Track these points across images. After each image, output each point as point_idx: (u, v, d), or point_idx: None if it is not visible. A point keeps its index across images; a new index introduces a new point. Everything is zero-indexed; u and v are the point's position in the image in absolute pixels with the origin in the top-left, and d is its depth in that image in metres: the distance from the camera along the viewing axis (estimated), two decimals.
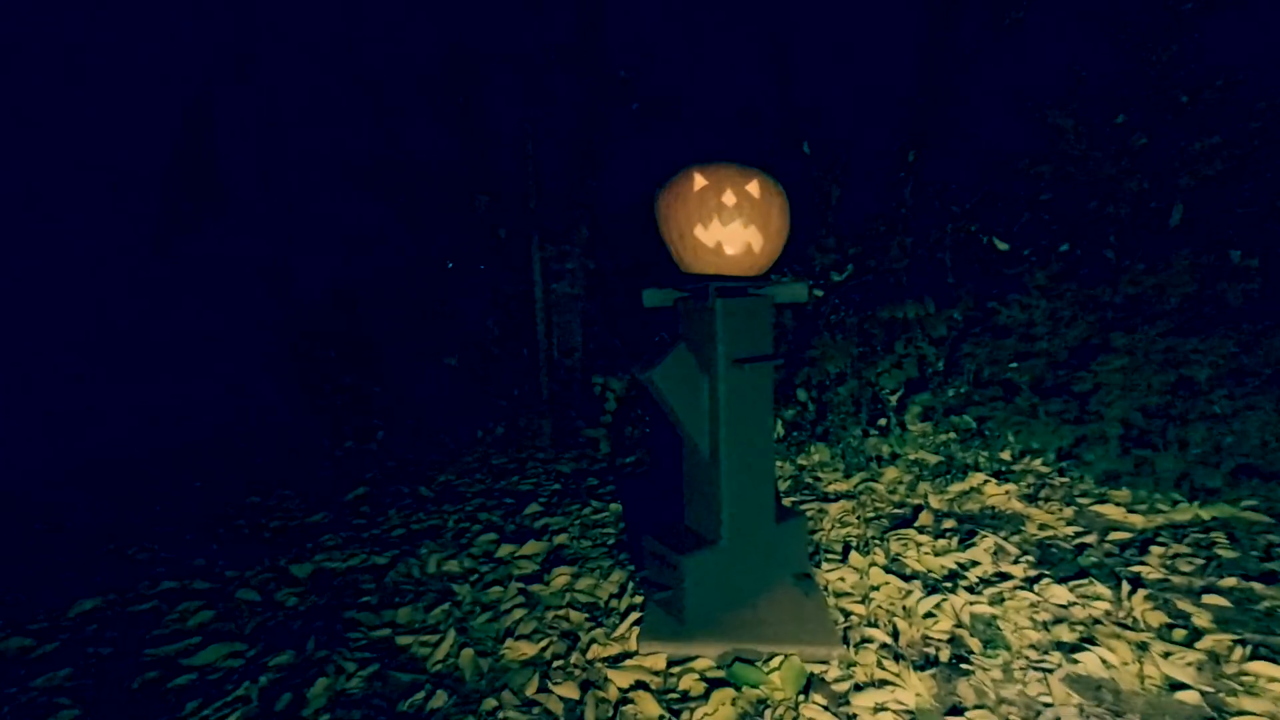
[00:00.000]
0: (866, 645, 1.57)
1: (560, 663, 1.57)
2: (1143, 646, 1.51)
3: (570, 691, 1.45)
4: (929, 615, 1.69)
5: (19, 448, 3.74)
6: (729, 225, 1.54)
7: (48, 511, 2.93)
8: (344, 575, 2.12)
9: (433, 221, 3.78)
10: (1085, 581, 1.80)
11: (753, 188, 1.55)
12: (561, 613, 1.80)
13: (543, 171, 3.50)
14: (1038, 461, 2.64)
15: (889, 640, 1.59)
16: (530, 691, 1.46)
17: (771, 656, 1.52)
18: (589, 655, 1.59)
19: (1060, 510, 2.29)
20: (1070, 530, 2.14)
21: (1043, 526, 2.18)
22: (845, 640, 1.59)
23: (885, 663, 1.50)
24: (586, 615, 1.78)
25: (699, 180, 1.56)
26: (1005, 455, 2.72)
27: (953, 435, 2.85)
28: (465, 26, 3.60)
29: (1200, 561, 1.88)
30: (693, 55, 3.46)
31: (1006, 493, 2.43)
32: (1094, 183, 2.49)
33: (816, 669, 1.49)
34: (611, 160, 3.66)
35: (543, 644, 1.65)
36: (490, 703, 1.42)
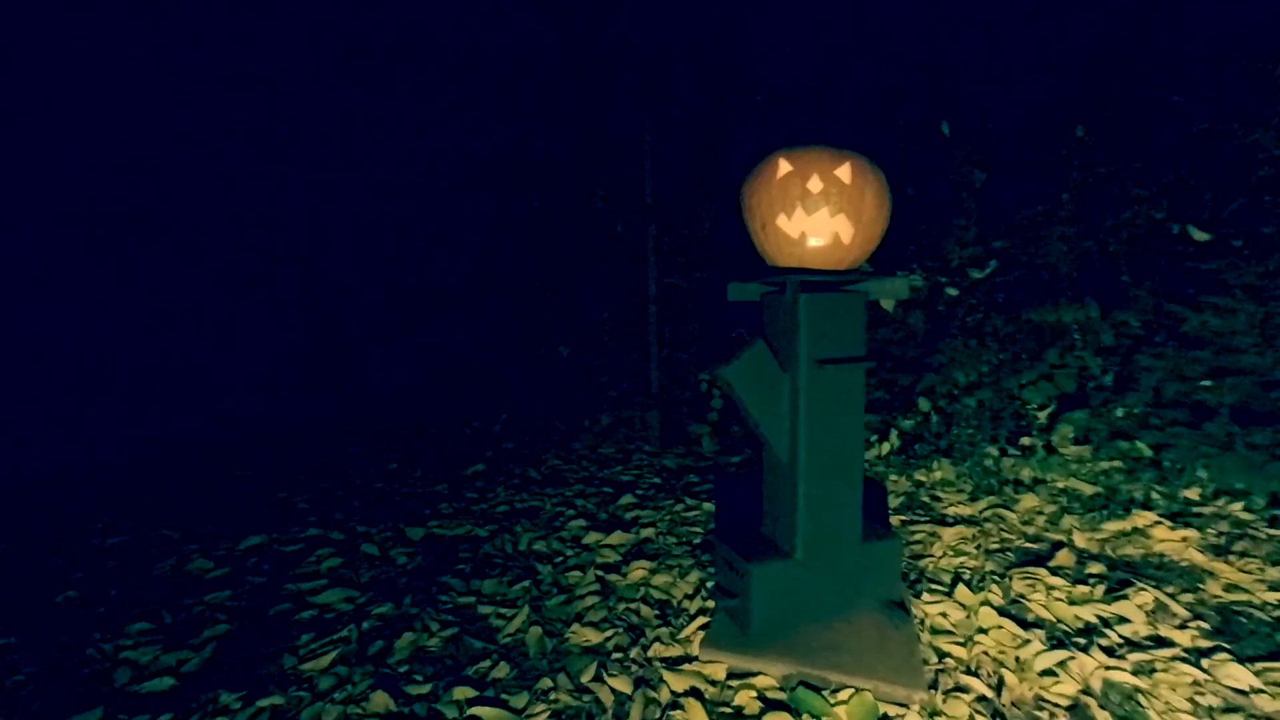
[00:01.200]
0: (959, 695, 1.37)
1: (620, 655, 1.57)
2: None
3: (623, 685, 1.45)
4: (1048, 673, 1.43)
5: (243, 413, 4.61)
6: (814, 214, 1.42)
7: (245, 462, 3.57)
8: (448, 542, 2.31)
9: (555, 217, 3.97)
10: None
11: (842, 172, 1.41)
12: (633, 606, 1.80)
13: (660, 166, 3.51)
14: (1237, 506, 2.11)
15: (989, 693, 1.38)
16: (586, 678, 1.48)
17: (842, 688, 1.38)
18: (650, 653, 1.57)
19: (1261, 570, 1.81)
20: (1272, 597, 1.68)
21: (1230, 588, 1.74)
22: (934, 685, 1.40)
23: (978, 719, 1.29)
24: (656, 612, 1.77)
25: (783, 166, 1.45)
26: (1191, 494, 2.22)
27: (1118, 463, 2.39)
28: (591, 27, 3.72)
29: None
30: (820, 34, 3.23)
31: (1184, 540, 1.98)
32: None
33: (892, 710, 1.33)
34: (730, 152, 3.57)
35: (608, 634, 1.66)
36: (546, 682, 1.47)
